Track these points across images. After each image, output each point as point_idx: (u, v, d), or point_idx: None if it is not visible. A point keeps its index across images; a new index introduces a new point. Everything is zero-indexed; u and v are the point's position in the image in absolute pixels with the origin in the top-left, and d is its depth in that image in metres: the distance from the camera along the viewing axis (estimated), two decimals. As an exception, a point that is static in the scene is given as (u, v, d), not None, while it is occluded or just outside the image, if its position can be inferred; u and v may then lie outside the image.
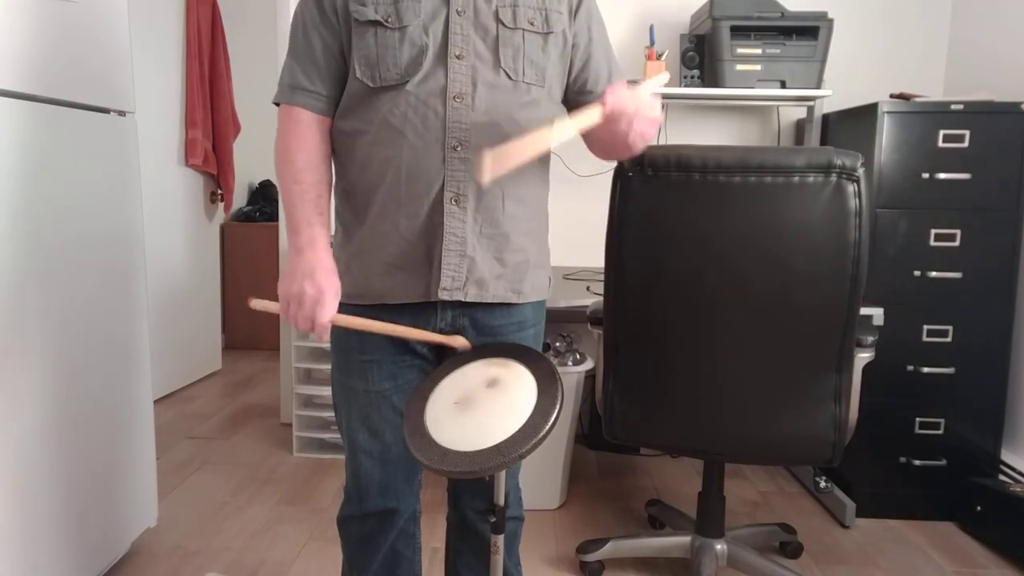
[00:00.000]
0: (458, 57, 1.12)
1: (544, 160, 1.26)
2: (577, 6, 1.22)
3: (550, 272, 1.34)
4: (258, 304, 1.08)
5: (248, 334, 4.42)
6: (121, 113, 1.86)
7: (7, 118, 1.45)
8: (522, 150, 1.02)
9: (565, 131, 1.04)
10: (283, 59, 1.21)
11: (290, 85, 1.18)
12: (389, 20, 1.11)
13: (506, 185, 1.17)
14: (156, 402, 3.23)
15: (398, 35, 1.11)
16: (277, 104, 1.20)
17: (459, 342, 1.18)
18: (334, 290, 1.10)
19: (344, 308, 1.22)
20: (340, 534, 1.34)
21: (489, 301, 1.21)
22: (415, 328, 1.17)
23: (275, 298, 1.13)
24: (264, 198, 4.49)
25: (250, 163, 4.42)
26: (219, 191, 3.88)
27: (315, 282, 1.08)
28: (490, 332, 1.23)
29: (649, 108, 1.06)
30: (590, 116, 1.02)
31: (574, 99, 1.27)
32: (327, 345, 2.74)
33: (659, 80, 1.10)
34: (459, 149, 1.12)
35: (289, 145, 1.16)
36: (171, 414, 3.24)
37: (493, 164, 1.01)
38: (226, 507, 2.33)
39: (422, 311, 1.20)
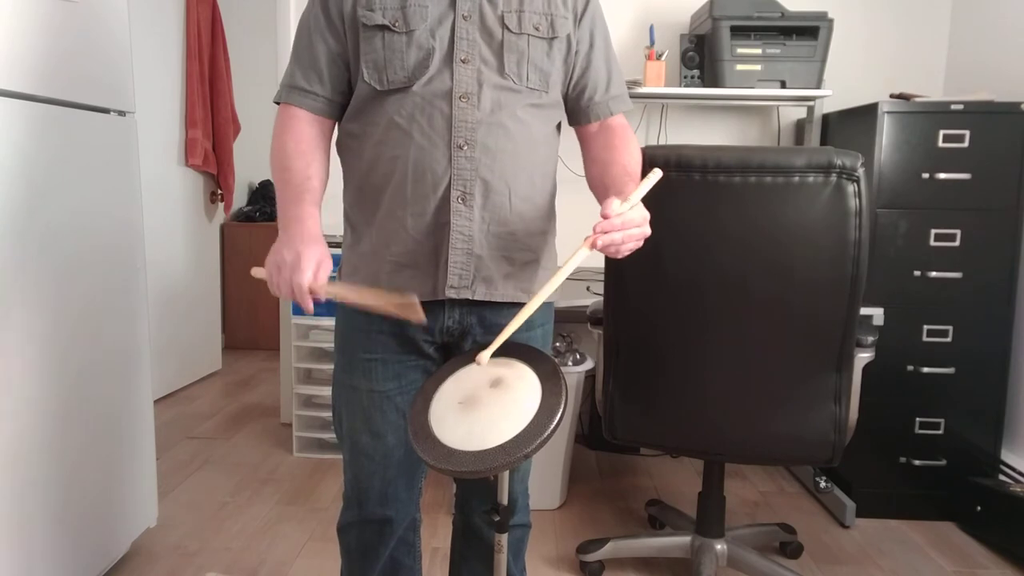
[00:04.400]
0: (463, 61, 1.12)
1: (551, 160, 1.25)
2: (582, 12, 1.22)
3: None
4: (257, 272, 1.11)
5: (248, 334, 4.42)
6: (121, 113, 1.86)
7: (7, 118, 1.45)
8: (516, 322, 1.04)
9: (555, 283, 1.04)
10: (283, 59, 1.22)
11: (289, 85, 1.19)
12: (396, 24, 1.12)
13: (513, 184, 1.17)
14: (156, 402, 3.22)
15: (405, 39, 1.12)
16: (278, 103, 1.21)
17: (416, 315, 1.06)
18: (314, 256, 1.04)
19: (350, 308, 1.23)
20: (340, 541, 1.34)
21: (498, 300, 1.21)
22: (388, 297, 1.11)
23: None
24: (264, 198, 4.49)
25: (250, 163, 4.41)
26: (219, 191, 3.88)
27: (292, 248, 1.05)
28: (497, 330, 1.22)
29: (640, 230, 1.05)
30: (579, 257, 1.03)
31: (572, 104, 1.27)
32: (327, 345, 2.74)
33: (652, 180, 1.11)
34: (465, 148, 1.13)
35: (280, 136, 1.18)
36: (171, 414, 3.24)
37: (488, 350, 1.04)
38: (226, 507, 2.33)
39: (429, 309, 1.19)
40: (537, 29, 1.16)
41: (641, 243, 1.06)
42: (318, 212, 1.13)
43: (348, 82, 1.19)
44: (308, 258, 1.04)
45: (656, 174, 1.12)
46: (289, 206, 1.12)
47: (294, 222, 1.10)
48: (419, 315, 1.05)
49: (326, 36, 1.17)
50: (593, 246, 1.02)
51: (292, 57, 1.20)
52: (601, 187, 1.20)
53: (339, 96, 1.20)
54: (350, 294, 1.11)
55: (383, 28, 1.12)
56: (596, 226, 1.02)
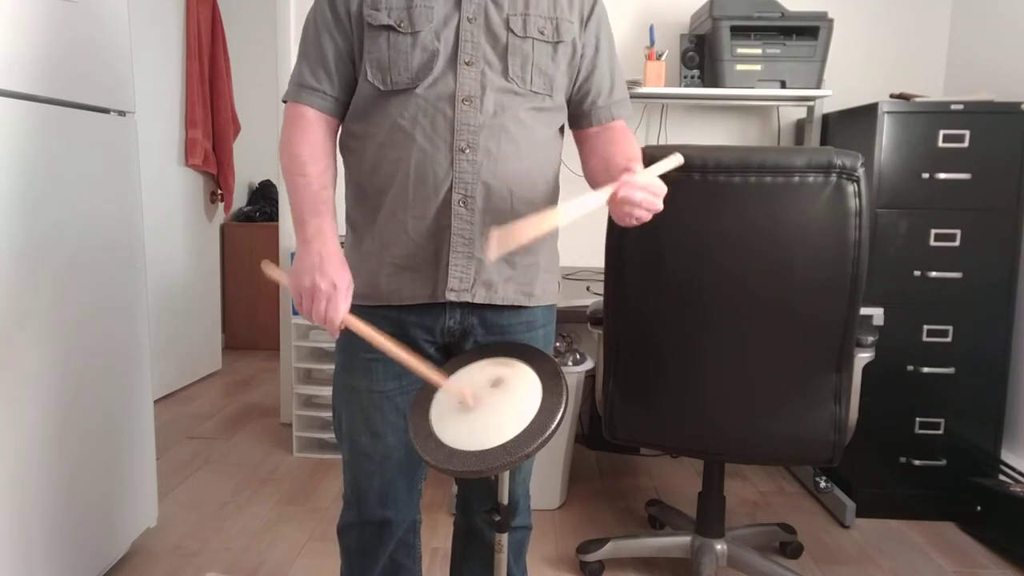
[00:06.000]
0: (467, 63, 1.12)
1: (553, 163, 1.25)
2: (588, 16, 1.22)
3: (559, 278, 1.34)
4: (269, 269, 1.10)
5: (248, 334, 4.42)
6: (121, 113, 1.86)
7: (7, 118, 1.45)
8: (530, 228, 1.00)
9: (573, 211, 1.00)
10: (283, 59, 1.22)
11: (298, 84, 1.19)
12: (402, 25, 1.12)
13: (515, 187, 1.17)
14: (156, 402, 3.22)
15: (410, 40, 1.12)
16: (286, 102, 1.21)
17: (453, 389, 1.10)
18: (346, 284, 1.08)
19: (351, 308, 1.23)
20: (340, 543, 1.34)
21: (498, 303, 1.21)
22: (417, 355, 1.10)
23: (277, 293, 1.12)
24: (264, 198, 4.49)
25: (250, 163, 4.42)
26: (219, 191, 3.88)
27: (326, 275, 1.07)
28: (499, 331, 1.23)
29: (656, 200, 1.03)
30: (599, 197, 1.01)
31: (574, 108, 1.27)
32: (327, 345, 2.74)
33: (671, 161, 1.10)
34: (467, 151, 1.13)
35: (293, 139, 1.17)
36: (171, 414, 3.24)
37: (500, 241, 1.00)
38: (226, 507, 2.33)
39: (429, 310, 1.20)
40: (542, 33, 1.16)
41: (650, 217, 1.04)
42: (335, 223, 1.15)
43: (356, 80, 1.19)
44: (343, 288, 1.07)
45: (676, 157, 1.10)
46: (309, 217, 1.12)
47: (316, 237, 1.11)
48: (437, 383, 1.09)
49: (334, 34, 1.17)
50: (615, 195, 1.00)
51: (300, 55, 1.20)
52: (605, 175, 1.18)
53: (347, 95, 1.20)
54: (378, 342, 1.07)
55: (388, 28, 1.12)
56: (623, 177, 1.01)
